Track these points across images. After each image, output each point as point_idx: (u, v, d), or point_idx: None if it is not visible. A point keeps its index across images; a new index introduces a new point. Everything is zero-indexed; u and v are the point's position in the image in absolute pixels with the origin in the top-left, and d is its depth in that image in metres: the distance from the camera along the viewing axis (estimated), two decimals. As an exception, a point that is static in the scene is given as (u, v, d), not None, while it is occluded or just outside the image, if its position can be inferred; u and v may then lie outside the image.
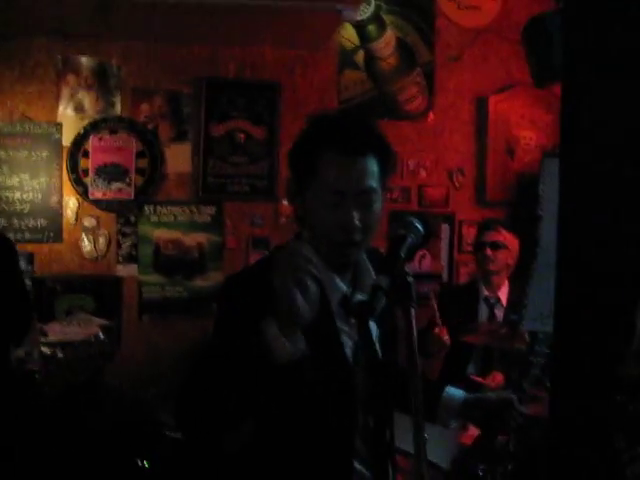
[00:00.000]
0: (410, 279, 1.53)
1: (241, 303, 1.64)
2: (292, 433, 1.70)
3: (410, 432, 1.57)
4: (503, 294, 3.89)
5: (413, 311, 1.51)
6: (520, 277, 3.88)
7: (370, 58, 4.82)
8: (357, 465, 1.74)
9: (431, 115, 4.91)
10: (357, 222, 1.66)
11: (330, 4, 3.76)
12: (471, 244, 4.83)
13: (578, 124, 1.32)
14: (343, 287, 1.75)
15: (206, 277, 4.70)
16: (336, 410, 1.70)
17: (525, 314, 2.43)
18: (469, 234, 4.91)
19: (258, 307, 1.51)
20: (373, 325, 1.77)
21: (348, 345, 1.74)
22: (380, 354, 1.79)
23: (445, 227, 4.92)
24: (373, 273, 1.74)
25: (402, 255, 1.54)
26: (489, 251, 3.82)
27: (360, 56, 4.81)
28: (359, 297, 1.74)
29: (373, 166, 1.69)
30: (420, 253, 4.81)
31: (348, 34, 4.76)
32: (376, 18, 4.79)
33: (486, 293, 3.89)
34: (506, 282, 3.91)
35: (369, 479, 1.75)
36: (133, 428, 4.00)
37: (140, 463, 3.89)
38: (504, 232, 3.84)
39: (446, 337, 3.63)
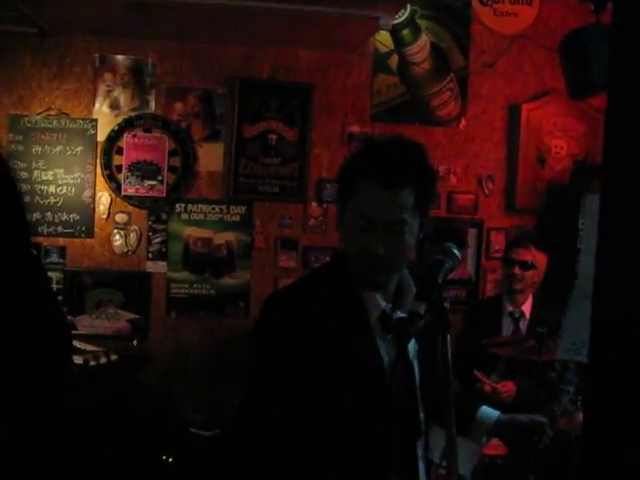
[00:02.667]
0: (446, 304, 1.55)
1: (290, 326, 1.70)
2: (331, 441, 1.73)
3: (435, 443, 1.61)
4: (527, 307, 3.90)
5: (449, 336, 1.54)
6: (543, 290, 3.89)
7: (404, 62, 4.82)
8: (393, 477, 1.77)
9: (463, 121, 4.90)
10: (381, 250, 1.70)
11: (367, 12, 3.76)
12: (499, 251, 4.84)
13: (622, 159, 1.31)
14: (382, 304, 1.79)
15: (234, 276, 4.74)
16: (374, 422, 1.74)
17: (560, 344, 2.46)
18: (497, 241, 4.92)
19: (307, 328, 1.60)
20: (412, 341, 1.80)
21: (385, 360, 1.77)
22: (417, 369, 1.83)
23: (473, 233, 4.91)
24: (414, 290, 1.77)
25: (439, 281, 1.56)
26: (518, 270, 3.78)
27: (394, 60, 4.81)
28: (398, 314, 1.78)
29: (407, 199, 1.72)
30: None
31: (382, 38, 4.76)
32: (411, 23, 4.79)
33: (510, 308, 3.91)
34: (530, 297, 3.91)
35: None
36: (159, 423, 4.06)
37: (165, 458, 3.96)
38: (534, 251, 3.80)
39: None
